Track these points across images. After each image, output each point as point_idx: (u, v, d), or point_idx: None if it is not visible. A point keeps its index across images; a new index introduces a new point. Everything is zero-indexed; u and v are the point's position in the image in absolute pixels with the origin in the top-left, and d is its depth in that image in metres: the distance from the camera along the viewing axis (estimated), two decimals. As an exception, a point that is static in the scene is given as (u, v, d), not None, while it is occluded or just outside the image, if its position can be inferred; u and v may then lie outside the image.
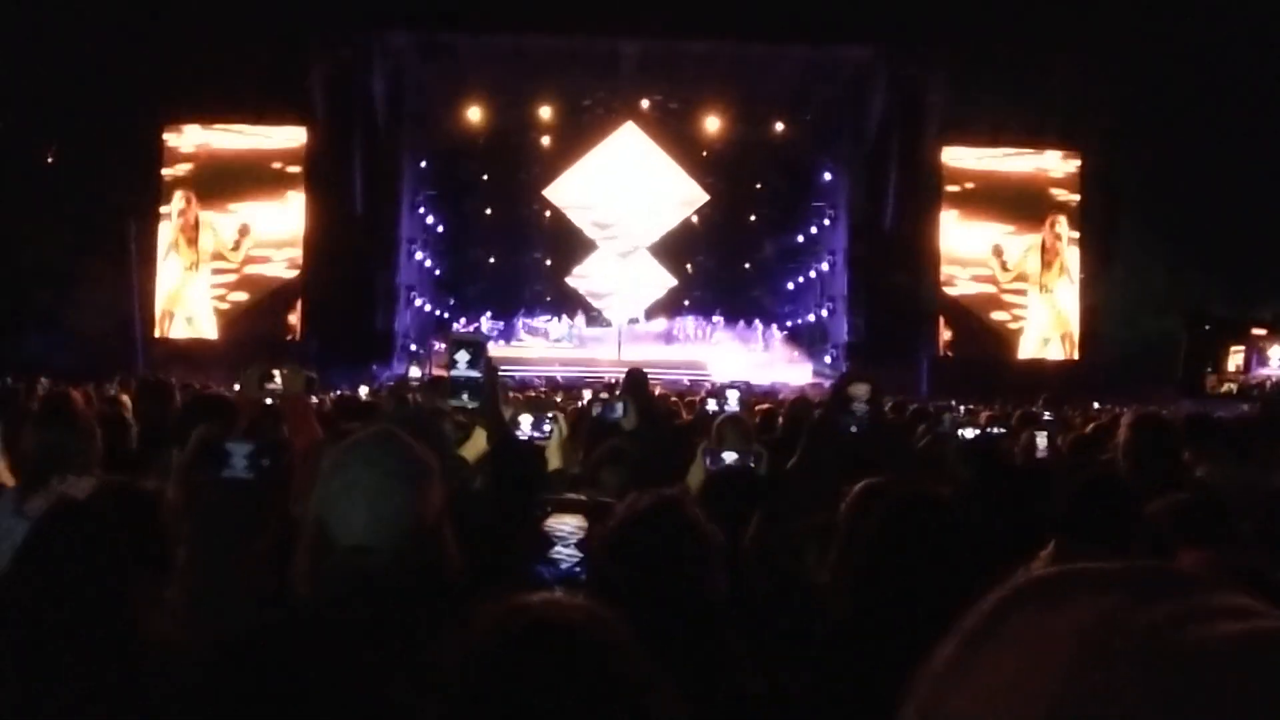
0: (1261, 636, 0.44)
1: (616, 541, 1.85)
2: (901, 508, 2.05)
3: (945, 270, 23.06)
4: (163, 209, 22.23)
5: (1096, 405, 11.74)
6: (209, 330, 22.20)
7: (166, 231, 22.28)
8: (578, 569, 1.72)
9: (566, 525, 1.76)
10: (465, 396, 2.32)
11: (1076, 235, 23.33)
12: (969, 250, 23.22)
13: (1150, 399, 11.44)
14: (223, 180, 22.26)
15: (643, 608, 1.79)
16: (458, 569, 1.85)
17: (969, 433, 5.04)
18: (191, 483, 2.66)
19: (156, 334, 21.83)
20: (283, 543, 2.38)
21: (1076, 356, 23.04)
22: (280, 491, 2.57)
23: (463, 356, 2.32)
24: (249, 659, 1.71)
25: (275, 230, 22.37)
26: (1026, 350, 23.17)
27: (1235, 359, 8.61)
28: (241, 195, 22.32)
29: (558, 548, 1.74)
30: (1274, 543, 2.83)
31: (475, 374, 2.31)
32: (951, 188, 23.03)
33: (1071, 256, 23.35)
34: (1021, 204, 23.23)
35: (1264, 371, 11.69)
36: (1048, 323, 23.29)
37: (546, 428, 3.52)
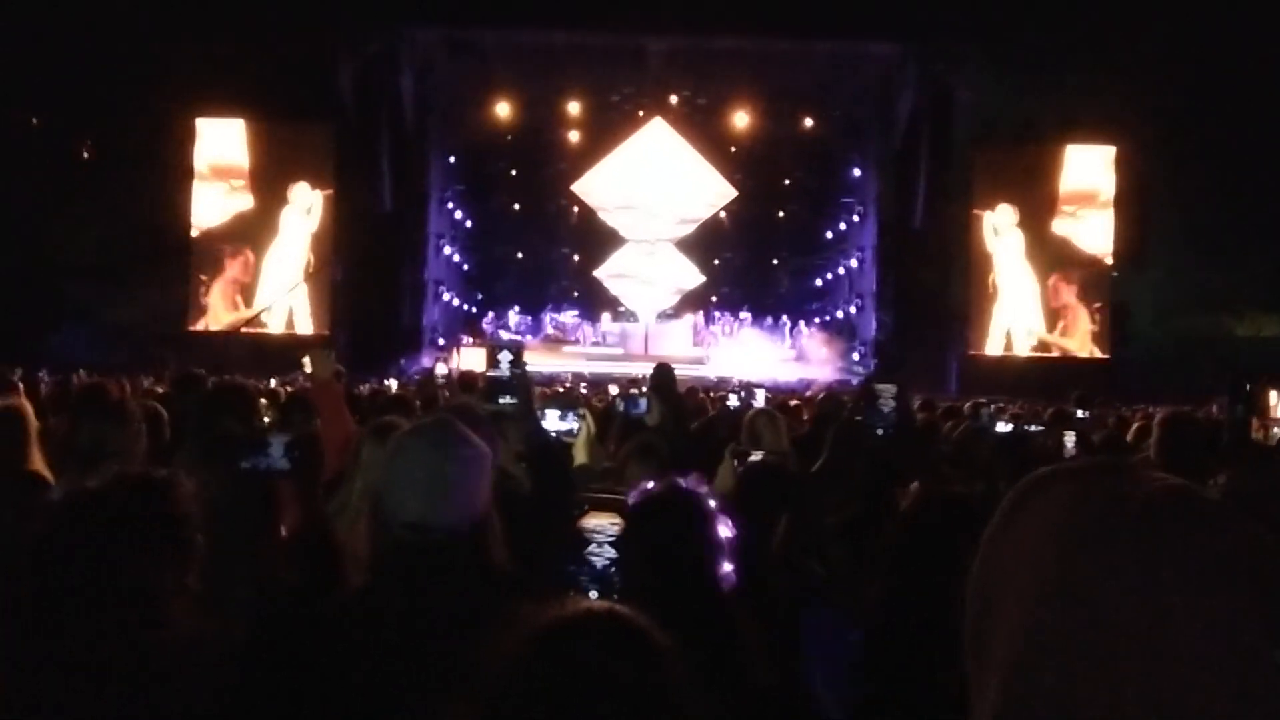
0: (1164, 489, 0.65)
1: (628, 529, 1.85)
2: (931, 509, 2.03)
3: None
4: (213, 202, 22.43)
5: (1120, 405, 11.59)
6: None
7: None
8: (612, 569, 1.71)
9: (602, 524, 1.76)
10: (504, 398, 2.35)
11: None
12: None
13: (1184, 399, 11.29)
14: (254, 176, 22.44)
15: (651, 595, 1.78)
16: (503, 560, 1.87)
17: (1004, 426, 5.00)
18: (226, 473, 2.67)
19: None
20: (311, 535, 2.39)
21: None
22: (311, 482, 2.59)
23: (505, 358, 2.35)
24: (285, 648, 1.72)
25: (304, 226, 22.51)
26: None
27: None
28: (273, 191, 22.47)
29: (592, 547, 1.73)
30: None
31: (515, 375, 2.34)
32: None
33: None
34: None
35: None
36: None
37: (574, 424, 3.53)
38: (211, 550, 1.84)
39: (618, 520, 1.95)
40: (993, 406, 9.02)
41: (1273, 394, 4.41)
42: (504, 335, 23.55)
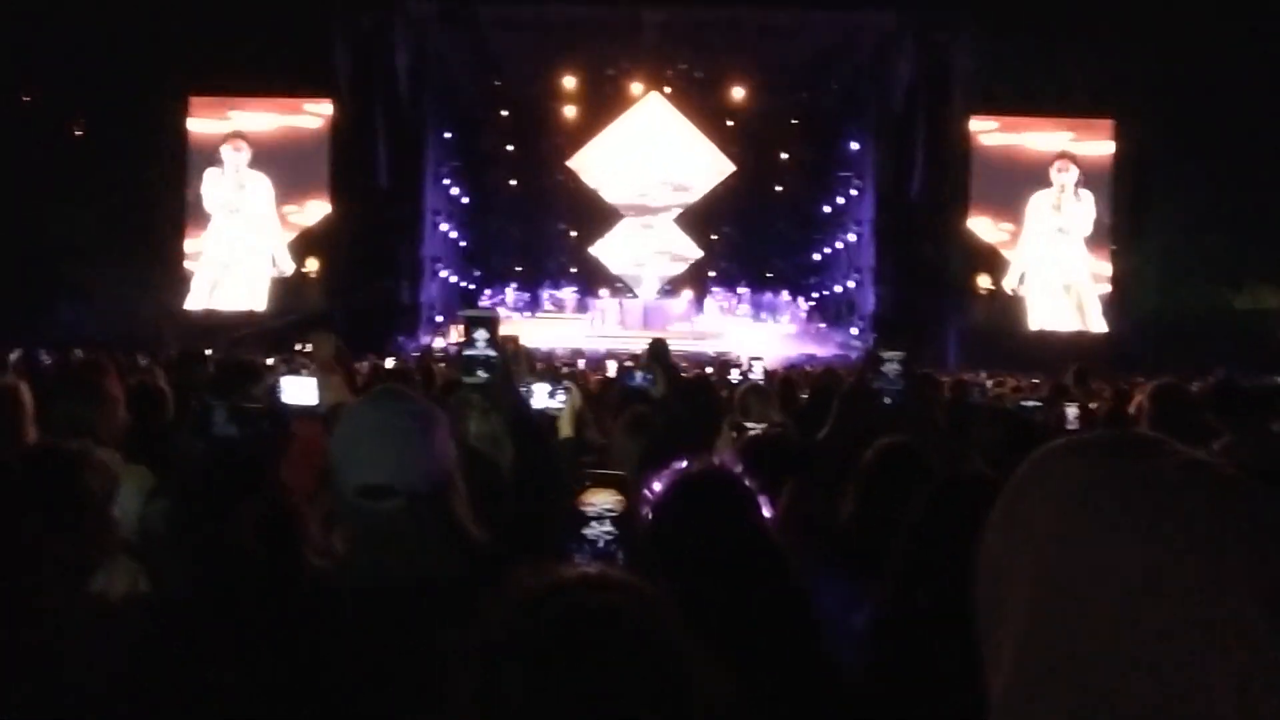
0: (1187, 464, 0.63)
1: (669, 511, 1.81)
2: (951, 491, 2.00)
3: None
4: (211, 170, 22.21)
5: (1120, 378, 11.58)
6: (259, 302, 22.18)
7: (216, 191, 22.21)
8: (613, 546, 1.68)
9: (601, 501, 1.73)
10: (481, 373, 2.33)
11: (1079, 189, 22.67)
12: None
13: (1184, 371, 11.28)
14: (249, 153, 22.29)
15: (699, 581, 1.75)
16: (472, 525, 1.83)
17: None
18: (181, 442, 2.67)
19: (205, 304, 21.93)
20: (275, 510, 2.37)
21: (1084, 325, 22.57)
22: (273, 454, 2.56)
23: (481, 335, 2.31)
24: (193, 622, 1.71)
25: (302, 201, 22.35)
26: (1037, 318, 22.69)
27: None
28: (269, 166, 22.31)
29: (592, 524, 1.70)
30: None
31: (492, 352, 2.32)
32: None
33: (1078, 210, 22.77)
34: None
35: None
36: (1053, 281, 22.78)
37: (561, 397, 3.53)
38: (183, 517, 1.83)
39: (619, 496, 1.93)
40: (990, 381, 9.03)
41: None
42: (481, 307, 23.18)
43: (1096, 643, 0.60)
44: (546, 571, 1.02)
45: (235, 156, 22.11)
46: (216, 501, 2.35)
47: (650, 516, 1.82)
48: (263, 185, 22.17)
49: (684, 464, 1.89)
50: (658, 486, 1.83)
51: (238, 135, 22.10)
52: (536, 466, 2.31)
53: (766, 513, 1.89)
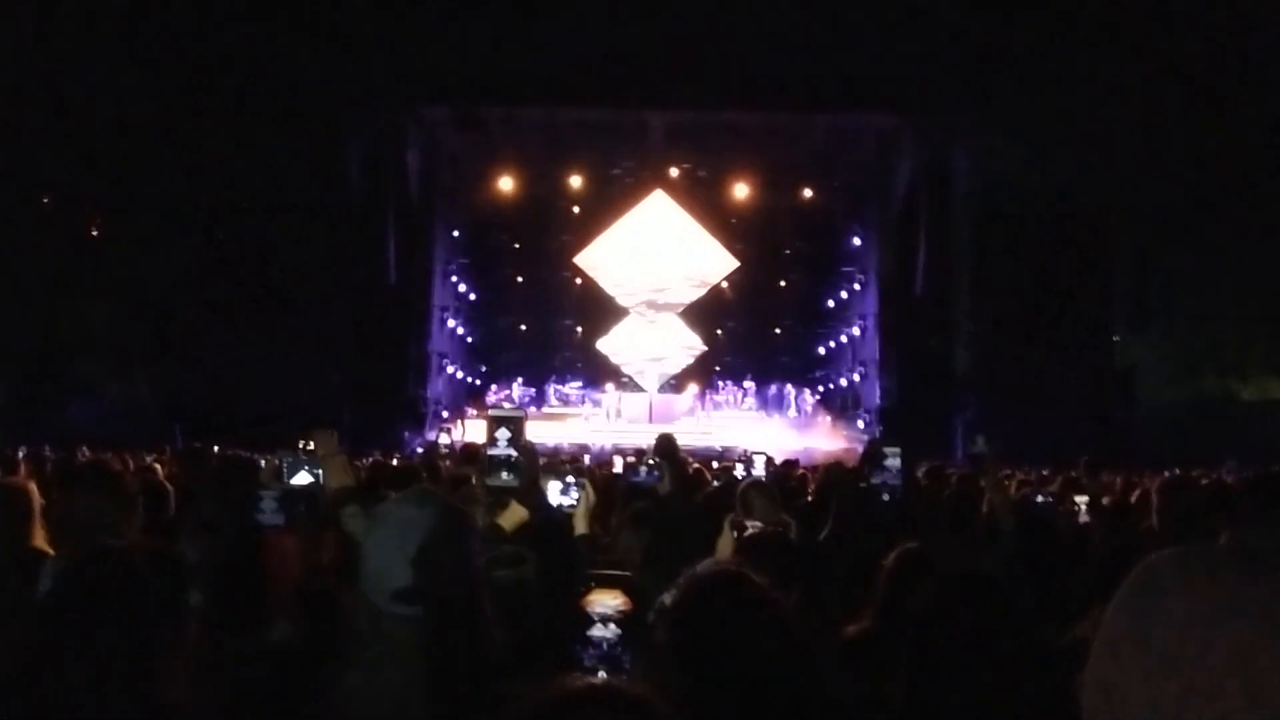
0: None
1: (684, 616, 1.78)
2: (954, 589, 2.00)
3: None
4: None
5: (1129, 471, 11.50)
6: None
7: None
8: (619, 650, 1.66)
9: (607, 603, 1.71)
10: (505, 474, 2.32)
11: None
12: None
13: (1192, 462, 11.21)
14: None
15: (720, 685, 1.71)
16: (495, 643, 1.80)
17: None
18: (221, 535, 2.66)
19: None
20: (311, 590, 2.36)
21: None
22: (310, 536, 2.55)
23: (503, 435, 2.31)
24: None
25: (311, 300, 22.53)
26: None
27: None
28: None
29: (597, 627, 1.68)
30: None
31: (514, 452, 2.31)
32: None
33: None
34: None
35: None
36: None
37: (575, 495, 3.52)
38: (204, 611, 1.84)
39: (623, 597, 1.91)
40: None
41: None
42: (506, 406, 23.21)
43: None
44: (555, 685, 1.02)
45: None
46: (228, 602, 2.34)
47: (668, 623, 1.79)
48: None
49: (693, 570, 1.87)
50: (668, 596, 1.80)
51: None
52: (560, 566, 2.29)
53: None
